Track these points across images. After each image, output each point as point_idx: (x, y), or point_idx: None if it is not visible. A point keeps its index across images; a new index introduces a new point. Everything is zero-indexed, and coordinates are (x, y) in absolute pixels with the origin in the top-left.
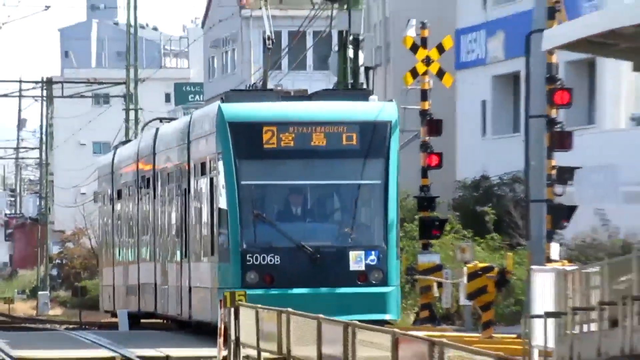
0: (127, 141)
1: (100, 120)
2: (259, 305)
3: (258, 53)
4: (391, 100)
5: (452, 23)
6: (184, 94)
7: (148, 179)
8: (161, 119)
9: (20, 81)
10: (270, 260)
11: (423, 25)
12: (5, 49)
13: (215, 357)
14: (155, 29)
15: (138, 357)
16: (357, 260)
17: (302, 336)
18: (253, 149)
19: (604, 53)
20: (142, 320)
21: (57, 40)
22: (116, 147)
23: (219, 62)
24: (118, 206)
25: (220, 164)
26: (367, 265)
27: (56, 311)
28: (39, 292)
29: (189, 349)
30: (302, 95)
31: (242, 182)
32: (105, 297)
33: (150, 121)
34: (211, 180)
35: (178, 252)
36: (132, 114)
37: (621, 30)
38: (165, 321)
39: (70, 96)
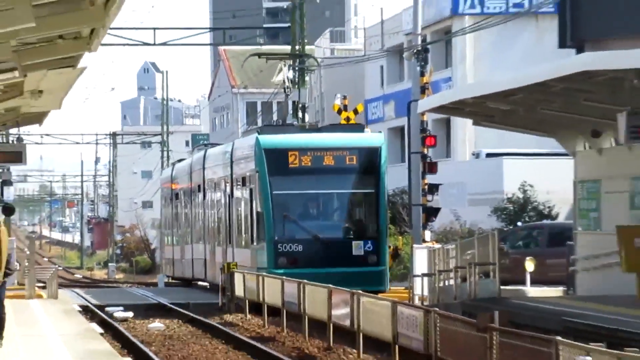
0: (182, 160)
1: (146, 158)
2: (262, 273)
3: (243, 116)
4: (380, 132)
5: (362, 95)
6: (197, 141)
7: (199, 186)
8: (180, 160)
9: (97, 134)
10: (295, 248)
11: (345, 97)
12: (88, 114)
13: (217, 302)
14: (179, 101)
15: (170, 303)
16: (357, 248)
17: (291, 293)
18: (281, 168)
19: (455, 114)
20: (192, 282)
21: (119, 108)
22: (174, 164)
23: (219, 121)
24: (176, 204)
25: (258, 178)
26: (365, 252)
27: (119, 275)
28: (109, 264)
29: (204, 299)
30: (314, 128)
31: (274, 192)
32: (166, 267)
33: (178, 160)
34: (250, 190)
35: (223, 239)
36: (165, 153)
37: (465, 100)
38: (209, 285)
39: (127, 143)
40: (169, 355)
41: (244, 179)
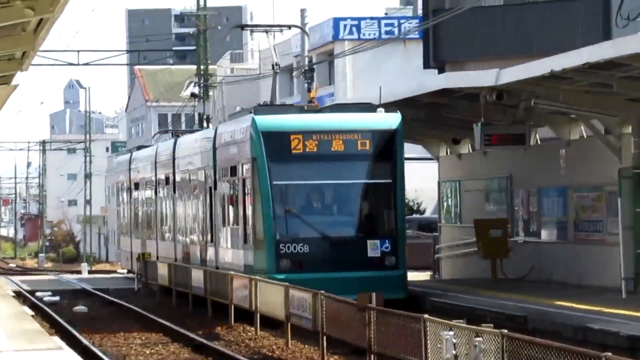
0: (141, 147)
1: (71, 162)
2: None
3: (155, 126)
4: (395, 111)
5: None
6: (116, 148)
7: (167, 178)
8: (139, 147)
9: (28, 142)
10: (300, 249)
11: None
12: (20, 125)
13: (134, 287)
14: (100, 113)
15: (93, 288)
16: (373, 248)
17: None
18: (283, 154)
19: None
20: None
21: (48, 119)
22: (130, 151)
23: (135, 130)
24: (135, 196)
25: (254, 167)
26: (382, 252)
27: (48, 264)
28: (39, 254)
29: (122, 285)
30: (314, 109)
31: (274, 182)
32: (124, 259)
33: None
34: (243, 181)
35: (201, 237)
36: (87, 159)
37: None
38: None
39: (55, 149)
40: (92, 333)
41: (232, 168)
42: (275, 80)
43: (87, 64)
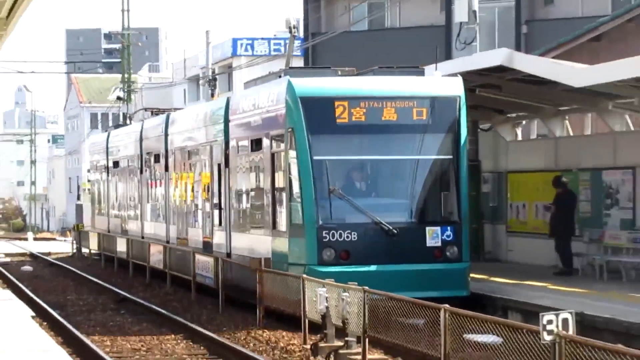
0: (120, 125)
1: (20, 151)
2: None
3: (88, 123)
4: (456, 75)
5: (171, 110)
6: (55, 140)
7: (157, 155)
8: (117, 125)
9: None
10: (347, 237)
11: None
12: None
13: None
14: (43, 111)
15: (37, 252)
16: (433, 237)
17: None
18: (326, 125)
19: None
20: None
21: (1, 117)
22: (108, 130)
23: (71, 126)
24: (115, 174)
25: (291, 140)
26: (443, 241)
27: (0, 233)
28: None
29: (61, 250)
30: (353, 73)
31: (315, 158)
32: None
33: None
34: (272, 156)
35: (207, 220)
36: (33, 148)
37: None
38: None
39: (6, 141)
40: (36, 288)
41: (255, 141)
42: (292, 43)
43: (33, 72)
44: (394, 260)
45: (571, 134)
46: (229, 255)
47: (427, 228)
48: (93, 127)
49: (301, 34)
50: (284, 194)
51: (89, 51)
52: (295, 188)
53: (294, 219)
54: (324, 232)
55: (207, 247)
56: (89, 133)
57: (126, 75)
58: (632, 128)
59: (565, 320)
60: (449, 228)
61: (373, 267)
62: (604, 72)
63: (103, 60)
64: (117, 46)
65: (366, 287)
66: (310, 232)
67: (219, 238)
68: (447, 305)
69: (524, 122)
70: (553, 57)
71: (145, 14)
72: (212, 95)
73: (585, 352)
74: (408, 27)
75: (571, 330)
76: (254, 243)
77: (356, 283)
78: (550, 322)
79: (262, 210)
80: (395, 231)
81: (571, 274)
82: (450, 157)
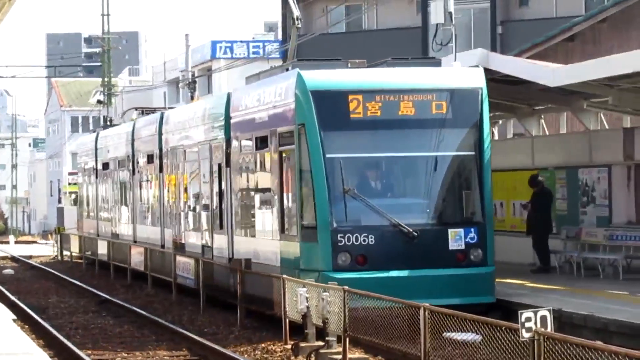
0: (109, 125)
1: (1, 155)
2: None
3: (68, 126)
4: (477, 66)
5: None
6: (36, 144)
7: (150, 156)
8: (105, 126)
9: None
10: (364, 241)
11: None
12: None
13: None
14: (24, 115)
15: (20, 256)
16: (456, 239)
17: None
18: (339, 120)
19: None
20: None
21: None
22: (97, 132)
23: (52, 130)
24: (104, 176)
25: (301, 136)
26: (466, 244)
27: None
28: None
29: (43, 253)
30: (364, 65)
31: (328, 155)
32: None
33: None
34: (280, 154)
35: (211, 223)
36: (14, 152)
37: None
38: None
39: None
40: (18, 290)
41: (260, 139)
42: (294, 35)
43: (14, 76)
44: (415, 265)
45: (547, 133)
46: (230, 260)
47: (450, 230)
48: (74, 130)
49: (279, 37)
50: (294, 195)
51: (70, 55)
52: (307, 188)
53: (306, 222)
54: (338, 235)
55: (206, 252)
56: (69, 136)
57: (106, 79)
58: (606, 126)
59: (543, 318)
60: (472, 229)
61: (392, 273)
62: (579, 72)
63: (83, 64)
64: (98, 50)
65: (346, 287)
66: (324, 236)
67: (219, 242)
68: (426, 304)
69: (500, 121)
70: (528, 57)
71: (125, 18)
72: (192, 97)
73: (564, 349)
74: (385, 29)
75: (549, 328)
76: (260, 248)
77: (370, 290)
78: (528, 319)
79: (269, 212)
80: (416, 234)
81: (549, 272)
82: (473, 153)
